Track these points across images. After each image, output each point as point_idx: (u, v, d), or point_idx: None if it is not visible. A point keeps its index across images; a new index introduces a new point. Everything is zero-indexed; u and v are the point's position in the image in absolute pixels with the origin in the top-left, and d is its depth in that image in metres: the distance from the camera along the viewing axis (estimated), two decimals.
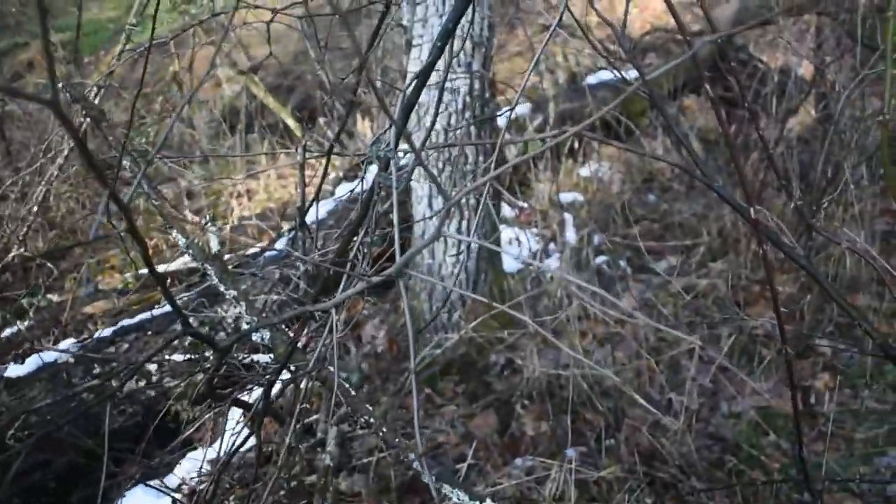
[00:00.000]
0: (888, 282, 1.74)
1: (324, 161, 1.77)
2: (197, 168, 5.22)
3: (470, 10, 2.70)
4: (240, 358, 2.26)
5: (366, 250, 1.04)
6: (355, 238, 1.07)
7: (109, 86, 3.54)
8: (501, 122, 4.57)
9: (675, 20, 1.16)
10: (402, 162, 3.37)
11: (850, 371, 3.23)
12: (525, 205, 4.14)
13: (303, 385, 1.67)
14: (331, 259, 1.10)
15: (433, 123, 1.31)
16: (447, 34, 1.01)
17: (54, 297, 3.66)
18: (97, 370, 2.72)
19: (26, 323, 3.27)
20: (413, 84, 1.05)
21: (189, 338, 2.61)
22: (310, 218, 3.80)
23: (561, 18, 1.06)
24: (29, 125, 5.94)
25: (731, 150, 1.02)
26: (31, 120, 5.99)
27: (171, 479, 2.70)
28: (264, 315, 2.30)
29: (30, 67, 10.74)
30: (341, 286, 1.03)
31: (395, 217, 0.89)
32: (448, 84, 2.60)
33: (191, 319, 2.92)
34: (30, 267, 4.28)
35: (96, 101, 3.68)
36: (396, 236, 0.88)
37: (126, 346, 2.87)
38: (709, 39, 1.00)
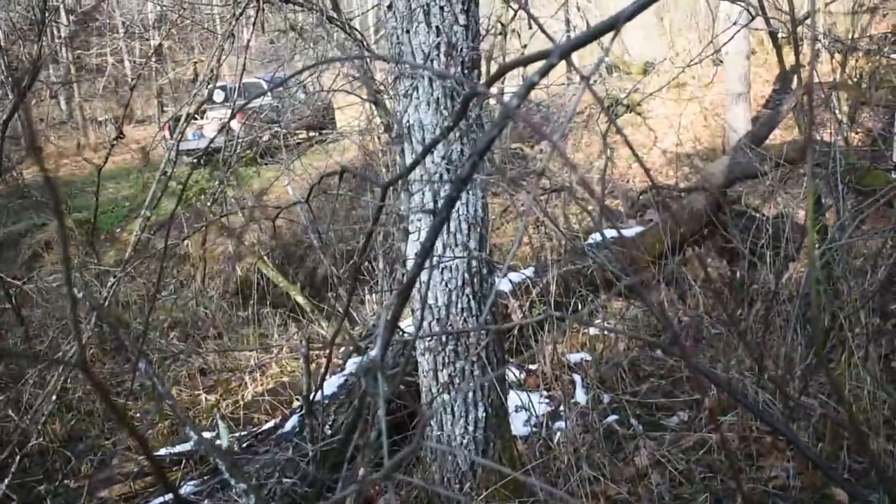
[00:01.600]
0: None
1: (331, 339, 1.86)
2: (211, 343, 5.33)
3: (463, 193, 2.88)
4: None
5: (361, 451, 1.11)
6: (351, 438, 1.15)
7: (127, 274, 3.70)
8: (504, 287, 4.71)
9: (649, 179, 1.27)
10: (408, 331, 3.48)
11: None
12: (532, 367, 4.20)
13: None
14: (330, 458, 1.17)
15: (423, 308, 1.41)
16: (426, 252, 1.11)
17: (71, 483, 3.69)
18: None
19: None
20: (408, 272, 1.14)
21: None
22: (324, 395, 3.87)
23: (542, 173, 1.18)
24: (47, 306, 6.10)
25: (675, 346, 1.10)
26: (48, 301, 6.16)
27: None
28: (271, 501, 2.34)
29: (47, 247, 11.13)
30: (339, 487, 1.10)
31: (382, 425, 0.97)
32: (446, 263, 2.74)
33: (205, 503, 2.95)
34: (47, 450, 4.32)
35: (113, 290, 3.85)
36: (385, 445, 0.96)
37: None
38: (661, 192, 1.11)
